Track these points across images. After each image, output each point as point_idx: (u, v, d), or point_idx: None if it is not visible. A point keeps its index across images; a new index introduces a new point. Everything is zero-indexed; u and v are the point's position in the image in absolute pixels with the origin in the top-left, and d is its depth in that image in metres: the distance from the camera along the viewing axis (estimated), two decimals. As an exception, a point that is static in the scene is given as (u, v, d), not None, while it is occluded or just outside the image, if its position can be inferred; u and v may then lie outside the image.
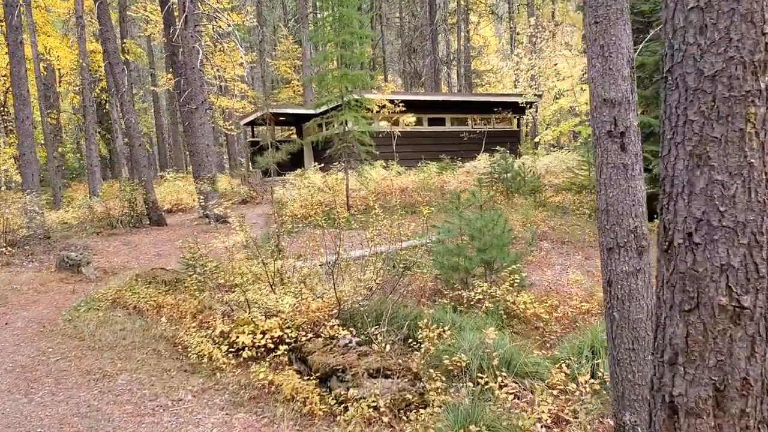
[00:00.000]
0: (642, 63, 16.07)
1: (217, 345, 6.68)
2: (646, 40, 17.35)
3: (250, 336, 6.64)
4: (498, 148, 24.77)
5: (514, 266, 8.56)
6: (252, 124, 30.86)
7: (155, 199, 17.54)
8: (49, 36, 23.90)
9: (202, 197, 13.98)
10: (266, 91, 37.96)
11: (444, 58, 38.47)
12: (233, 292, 8.48)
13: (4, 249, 12.56)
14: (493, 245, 8.55)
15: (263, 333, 6.69)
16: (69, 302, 9.48)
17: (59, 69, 26.26)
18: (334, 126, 27.34)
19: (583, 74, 22.84)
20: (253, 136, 32.22)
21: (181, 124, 40.56)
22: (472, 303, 8.20)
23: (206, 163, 17.03)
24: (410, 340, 6.92)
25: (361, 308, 7.34)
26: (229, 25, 17.79)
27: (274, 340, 6.63)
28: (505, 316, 7.93)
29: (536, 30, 30.32)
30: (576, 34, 30.21)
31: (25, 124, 14.53)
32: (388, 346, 6.45)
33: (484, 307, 8.03)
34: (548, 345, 7.08)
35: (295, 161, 28.83)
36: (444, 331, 6.37)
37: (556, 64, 22.57)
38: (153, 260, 13.22)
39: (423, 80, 40.51)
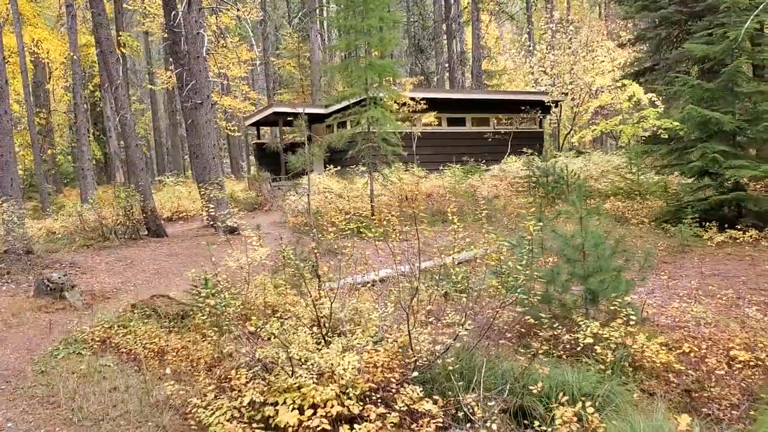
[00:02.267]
0: (706, 54, 14.04)
1: (247, 424, 4.62)
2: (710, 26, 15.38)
3: (295, 412, 4.57)
4: (526, 150, 22.94)
5: (626, 298, 6.50)
6: (257, 124, 28.83)
7: (154, 206, 15.47)
8: (37, 27, 21.84)
9: (212, 205, 11.97)
10: (270, 91, 35.93)
11: (453, 57, 36.46)
12: (262, 336, 6.44)
13: (-26, 268, 10.50)
14: (601, 270, 6.50)
15: (314, 407, 4.62)
16: (45, 342, 7.40)
17: (49, 64, 24.20)
18: (347, 126, 25.36)
19: (625, 67, 20.89)
20: (258, 138, 30.18)
21: (182, 124, 38.57)
22: (576, 348, 6.14)
23: (212, 166, 14.98)
24: (520, 413, 4.89)
25: (442, 362, 5.29)
26: (237, 11, 15.74)
27: (331, 416, 4.57)
28: (629, 368, 5.87)
29: (559, 25, 28.44)
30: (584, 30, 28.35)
31: (3, 120, 12.47)
32: (494, 426, 4.42)
33: (595, 353, 5.98)
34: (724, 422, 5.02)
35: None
36: (585, 409, 4.31)
37: (594, 57, 20.58)
38: (152, 280, 11.15)
39: (432, 81, 38.52)
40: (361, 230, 15.74)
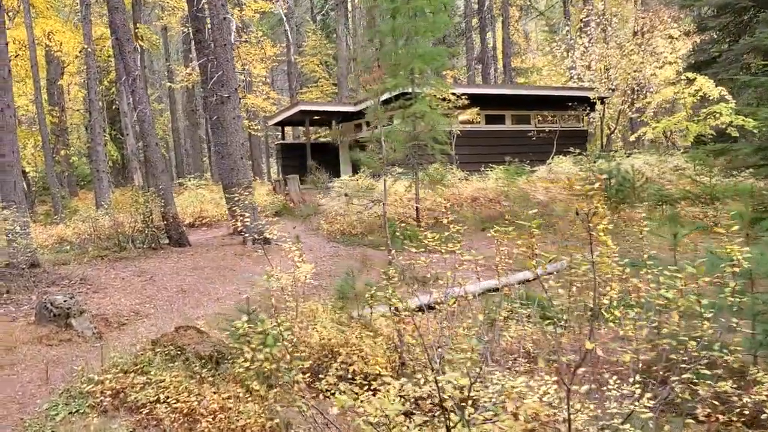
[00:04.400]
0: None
1: None
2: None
3: None
4: (572, 149, 21.15)
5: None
6: (281, 124, 27.23)
7: (176, 212, 13.88)
8: (49, 19, 20.36)
9: (243, 212, 10.33)
10: (293, 90, 34.36)
11: (487, 53, 34.72)
12: (325, 390, 4.78)
13: (-33, 286, 8.93)
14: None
15: None
16: (43, 392, 5.79)
17: (62, 58, 22.71)
18: (376, 125, 23.72)
19: (689, 58, 19.06)
20: (282, 138, 28.61)
21: (202, 124, 37.15)
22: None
23: (241, 167, 13.37)
24: None
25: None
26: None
27: None
28: None
29: (603, 17, 26.61)
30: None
31: (5, 116, 10.92)
32: None
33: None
34: None
35: (328, 167, 25.21)
36: None
37: (654, 48, 18.72)
38: (175, 300, 9.53)
39: (458, 78, 36.75)
40: (394, 236, 14.11)
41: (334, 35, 37.77)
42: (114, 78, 23.89)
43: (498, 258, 5.71)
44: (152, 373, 5.55)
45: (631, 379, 3.70)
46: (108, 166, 21.10)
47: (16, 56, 20.88)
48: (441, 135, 13.25)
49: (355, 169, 24.61)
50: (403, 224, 13.78)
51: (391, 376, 4.90)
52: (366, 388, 4.90)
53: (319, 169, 20.94)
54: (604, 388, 3.73)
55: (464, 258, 5.31)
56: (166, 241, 13.94)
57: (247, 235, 13.42)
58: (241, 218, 11.51)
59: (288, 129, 32.43)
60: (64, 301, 7.85)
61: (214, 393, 5.20)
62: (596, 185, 3.77)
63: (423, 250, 5.73)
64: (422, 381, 3.74)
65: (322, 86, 36.61)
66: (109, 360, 6.03)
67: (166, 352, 6.04)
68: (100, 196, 18.60)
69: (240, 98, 16.93)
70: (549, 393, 3.41)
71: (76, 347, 7.23)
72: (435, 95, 15.26)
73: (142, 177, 19.08)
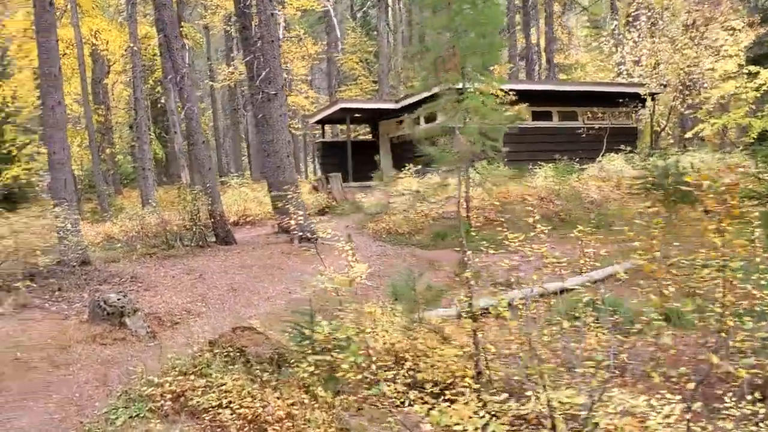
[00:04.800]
0: None
1: None
2: None
3: None
4: (623, 147, 20.54)
5: None
6: (322, 122, 27.10)
7: (222, 210, 13.77)
8: (95, 18, 20.54)
9: (288, 207, 10.10)
10: (332, 88, 34.26)
11: (523, 51, 34.02)
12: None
13: (20, 283, 8.86)
14: None
15: None
16: (100, 393, 5.63)
17: (108, 57, 22.92)
18: (421, 121, 23.34)
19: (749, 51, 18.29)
20: (322, 136, 28.48)
21: (243, 123, 37.23)
22: None
23: (286, 165, 13.19)
24: None
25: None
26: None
27: None
28: None
29: (653, 12, 25.82)
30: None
31: (56, 113, 10.90)
32: None
33: None
34: None
35: (368, 166, 24.95)
36: None
37: (715, 40, 18.01)
38: (227, 299, 9.37)
39: (503, 75, 36.14)
40: (437, 236, 13.73)
41: (374, 32, 37.58)
42: (159, 77, 24.04)
43: (582, 259, 5.33)
44: (212, 375, 5.34)
45: (749, 397, 3.33)
46: (152, 164, 21.17)
47: (63, 55, 21.10)
48: (492, 131, 12.83)
49: (397, 167, 24.33)
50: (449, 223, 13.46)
51: (467, 386, 4.61)
52: (441, 398, 4.63)
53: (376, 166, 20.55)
54: (719, 405, 3.36)
55: (547, 260, 4.95)
56: (213, 239, 13.85)
57: (294, 233, 13.23)
58: (291, 216, 11.37)
59: (326, 127, 32.35)
60: (118, 299, 7.73)
61: (278, 398, 4.95)
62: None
63: (501, 250, 5.39)
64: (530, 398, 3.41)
65: (361, 84, 36.41)
66: (168, 361, 5.85)
67: (225, 354, 5.84)
68: (145, 194, 18.67)
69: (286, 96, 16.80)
70: (674, 414, 3.05)
71: (130, 346, 7.09)
72: (485, 91, 14.84)
73: (189, 175, 19.08)
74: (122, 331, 7.45)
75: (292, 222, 12.64)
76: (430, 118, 22.70)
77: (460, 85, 12.99)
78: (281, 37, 17.66)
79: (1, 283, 9.06)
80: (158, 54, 23.21)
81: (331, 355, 4.51)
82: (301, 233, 13.21)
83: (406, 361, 5.39)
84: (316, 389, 4.94)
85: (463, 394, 4.54)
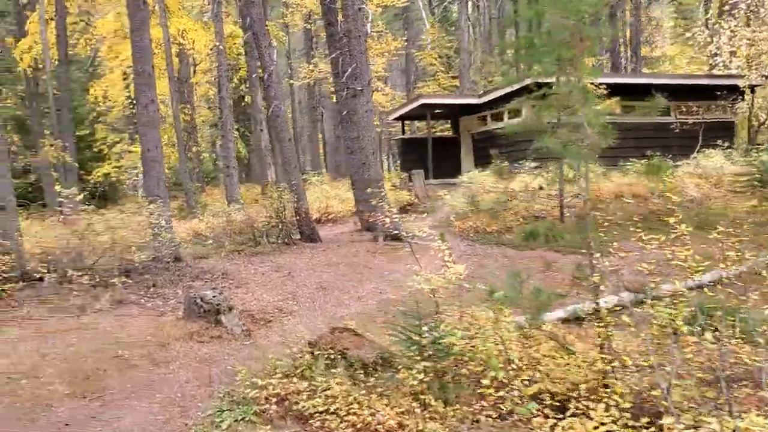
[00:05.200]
0: None
1: None
2: None
3: None
4: (719, 142, 19.37)
5: None
6: (402, 119, 26.87)
7: (307, 207, 13.73)
8: (182, 18, 21.00)
9: (372, 202, 9.88)
10: (410, 84, 34.01)
11: (609, 44, 32.67)
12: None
13: (116, 279, 8.99)
14: None
15: None
16: (202, 393, 5.53)
17: (194, 56, 23.44)
18: (503, 117, 22.77)
19: None
20: (402, 133, 28.25)
21: (322, 121, 37.51)
22: None
23: (372, 162, 13.02)
24: None
25: None
26: None
27: None
28: None
29: (753, 0, 24.27)
30: None
31: (149, 111, 11.07)
32: None
33: None
34: None
35: (448, 162, 24.55)
36: None
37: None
38: (317, 297, 9.23)
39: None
40: (529, 235, 13.18)
41: (453, 28, 37.11)
42: (243, 75, 24.40)
43: (722, 260, 4.82)
44: (316, 379, 5.15)
45: None
46: (236, 162, 21.48)
47: (152, 54, 21.69)
48: (604, 126, 12.22)
49: (478, 164, 23.84)
50: (542, 221, 12.92)
51: (593, 399, 4.23)
52: (563, 412, 4.25)
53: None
54: None
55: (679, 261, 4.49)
56: (298, 236, 13.82)
57: (379, 232, 13.04)
58: (376, 215, 11.16)
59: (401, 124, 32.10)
60: (213, 296, 7.69)
61: (386, 404, 4.70)
62: None
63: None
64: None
65: (439, 80, 35.99)
66: (268, 362, 5.71)
67: (325, 353, 5.65)
68: (230, 191, 18.92)
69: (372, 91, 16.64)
70: None
71: (226, 344, 7.01)
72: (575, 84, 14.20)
73: (275, 173, 19.22)
74: (218, 328, 7.39)
75: (378, 220, 12.46)
76: (499, 115, 22.23)
77: (551, 79, 12.41)
78: (368, 32, 17.44)
79: (98, 279, 9.23)
80: (242, 53, 23.59)
81: (458, 363, 4.19)
82: (386, 231, 13.03)
83: (520, 369, 5.03)
84: (427, 397, 4.66)
85: (590, 409, 4.16)
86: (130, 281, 9.34)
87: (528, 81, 14.77)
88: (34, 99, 22.70)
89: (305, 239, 13.57)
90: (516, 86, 21.28)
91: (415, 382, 4.78)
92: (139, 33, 10.98)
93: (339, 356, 5.63)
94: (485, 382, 4.16)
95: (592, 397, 4.38)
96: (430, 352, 4.90)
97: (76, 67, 26.30)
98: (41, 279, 9.04)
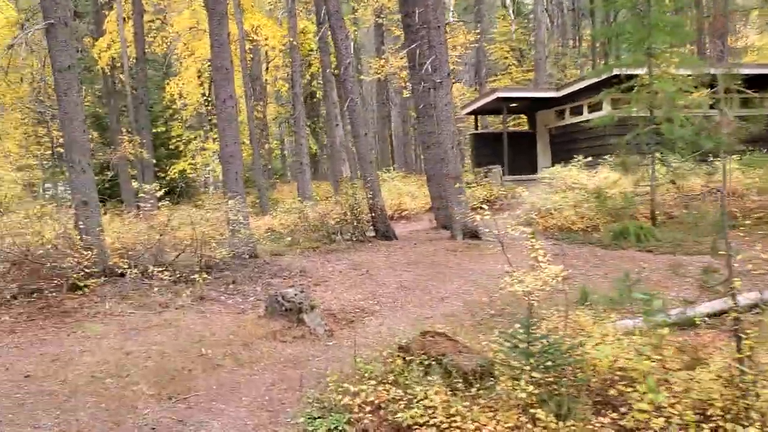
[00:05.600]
0: None
1: None
2: None
3: None
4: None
5: None
6: (475, 113, 26.29)
7: (383, 204, 13.43)
8: (255, 14, 21.05)
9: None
10: (481, 78, 33.31)
11: (702, 29, 31.07)
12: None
13: (197, 275, 8.89)
14: None
15: None
16: (290, 397, 5.26)
17: (267, 53, 23.52)
18: (583, 110, 21.89)
19: None
20: (475, 128, 27.66)
21: (391, 117, 37.29)
22: None
23: (451, 157, 12.56)
24: None
25: None
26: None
27: None
28: None
29: None
30: None
31: (227, 107, 10.98)
32: None
33: None
34: None
35: (522, 157, 23.78)
36: None
37: None
38: (398, 297, 8.89)
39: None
40: (619, 235, 12.47)
41: (525, 20, 36.20)
42: (314, 71, 24.33)
43: None
44: (412, 387, 4.78)
45: None
46: (309, 159, 21.40)
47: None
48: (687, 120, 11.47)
49: (555, 159, 23.00)
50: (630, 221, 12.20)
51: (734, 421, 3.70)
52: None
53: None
54: None
55: None
56: (372, 233, 13.54)
57: (456, 229, 12.60)
58: (458, 211, 10.74)
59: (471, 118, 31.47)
60: (295, 294, 7.45)
61: (491, 419, 4.29)
62: None
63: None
64: None
65: (512, 73, 35.16)
66: (358, 366, 5.38)
67: (418, 359, 5.27)
68: (303, 187, 18.85)
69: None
70: None
71: (309, 345, 6.74)
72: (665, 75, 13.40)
73: (350, 168, 19.02)
74: (300, 328, 7.14)
75: (457, 217, 12.02)
76: (578, 109, 21.30)
77: (640, 70, 11.69)
78: (449, 20, 16.90)
79: (179, 275, 9.16)
80: (314, 49, 23.52)
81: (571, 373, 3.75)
82: (464, 229, 12.59)
83: (638, 383, 4.52)
84: (537, 411, 4.22)
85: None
86: (210, 277, 9.23)
87: (616, 71, 14.14)
88: (111, 97, 23.24)
89: (380, 237, 13.27)
90: (597, 78, 20.44)
91: (524, 395, 4.35)
92: (218, 28, 10.89)
93: (434, 362, 5.24)
94: (643, 406, 3.67)
95: (729, 416, 3.86)
96: (542, 361, 4.45)
97: (150, 66, 26.86)
98: (122, 274, 9.04)
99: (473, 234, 12.58)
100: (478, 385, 4.77)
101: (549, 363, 4.47)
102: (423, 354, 5.39)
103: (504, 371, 4.76)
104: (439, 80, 12.28)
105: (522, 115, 28.19)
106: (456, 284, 9.48)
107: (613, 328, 5.55)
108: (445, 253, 11.64)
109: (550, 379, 4.43)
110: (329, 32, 16.96)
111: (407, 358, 5.40)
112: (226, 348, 6.47)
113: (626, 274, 5.91)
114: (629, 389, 4.37)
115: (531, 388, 4.36)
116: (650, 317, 5.07)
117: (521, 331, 4.67)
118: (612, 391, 4.50)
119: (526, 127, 27.00)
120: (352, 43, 17.91)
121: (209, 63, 23.87)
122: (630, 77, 12.88)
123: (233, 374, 5.84)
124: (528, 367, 4.46)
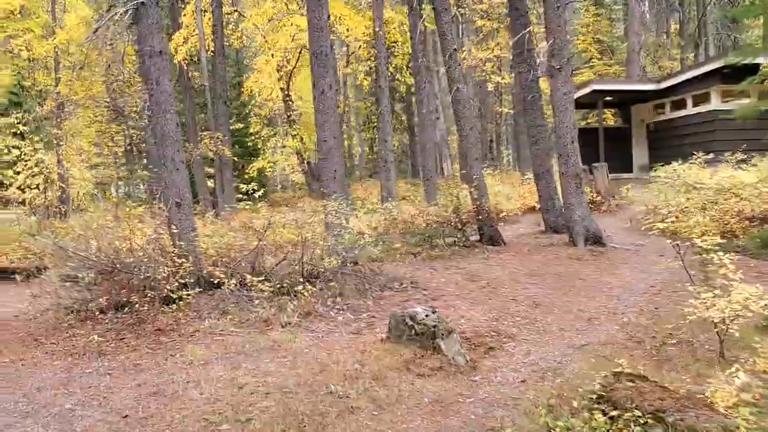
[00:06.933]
0: None
1: None
2: None
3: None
4: None
5: None
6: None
7: (489, 205, 12.12)
8: (338, 1, 20.02)
9: (579, 207, 8.06)
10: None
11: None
12: None
13: (300, 286, 7.80)
14: None
15: None
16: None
17: (348, 44, 22.51)
18: (687, 104, 20.02)
19: None
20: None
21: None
22: None
23: (571, 152, 11.15)
24: None
25: None
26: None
27: None
28: None
29: None
30: None
31: (327, 97, 9.91)
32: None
33: None
34: None
35: (616, 154, 22.00)
36: None
37: None
38: (534, 316, 7.57)
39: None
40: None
41: (609, 11, 34.14)
42: (398, 64, 23.17)
43: None
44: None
45: None
46: (393, 156, 20.25)
47: (303, 47, 20.93)
48: None
49: (653, 156, 21.22)
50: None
51: None
52: None
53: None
54: None
55: None
56: (476, 237, 12.27)
57: (577, 234, 11.18)
58: (576, 213, 9.38)
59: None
60: (426, 316, 6.24)
61: None
62: None
63: None
64: None
65: (594, 66, 33.16)
66: (530, 417, 4.14)
67: (634, 419, 3.98)
68: (388, 186, 17.70)
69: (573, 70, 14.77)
70: None
71: (452, 381, 5.53)
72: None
73: (450, 166, 17.79)
74: (436, 357, 5.93)
75: (577, 220, 10.60)
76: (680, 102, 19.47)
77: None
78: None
79: (279, 286, 8.11)
80: (398, 41, 22.35)
81: None
82: (586, 234, 11.16)
83: None
84: None
85: None
86: (315, 289, 8.13)
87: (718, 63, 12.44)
88: (187, 93, 22.67)
89: (485, 241, 11.97)
90: (704, 69, 18.59)
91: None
92: (317, 10, 9.82)
93: (652, 420, 3.95)
94: None
95: None
96: None
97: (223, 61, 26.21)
98: (219, 285, 8.04)
99: (596, 240, 11.15)
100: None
101: None
102: (634, 407, 4.10)
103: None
104: (557, 66, 10.89)
105: (610, 110, 26.46)
106: (598, 301, 8.10)
107: None
108: (570, 263, 10.25)
109: None
110: (418, 22, 15.81)
111: (608, 412, 4.13)
112: (356, 383, 5.31)
113: None
114: None
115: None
116: None
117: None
118: None
119: (611, 122, 25.25)
120: (456, 28, 16.60)
121: (287, 57, 23.11)
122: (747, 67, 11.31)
123: (375, 421, 4.67)
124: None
